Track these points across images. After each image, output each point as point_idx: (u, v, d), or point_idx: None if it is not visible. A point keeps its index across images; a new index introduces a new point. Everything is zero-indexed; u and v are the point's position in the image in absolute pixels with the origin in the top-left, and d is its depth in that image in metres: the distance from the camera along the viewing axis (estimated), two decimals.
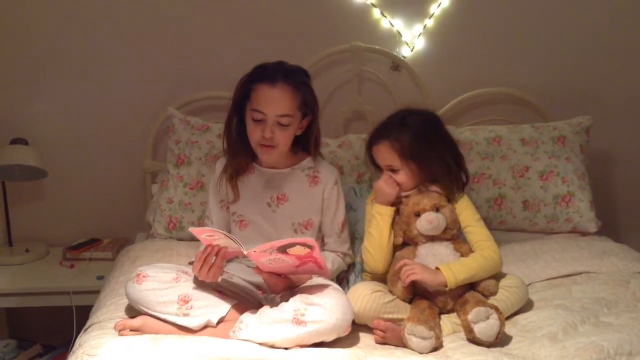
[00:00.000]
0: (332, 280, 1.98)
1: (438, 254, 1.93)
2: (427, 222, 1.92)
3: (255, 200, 2.09)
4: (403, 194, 2.02)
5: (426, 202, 1.95)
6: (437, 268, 1.85)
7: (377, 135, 2.06)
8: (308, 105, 2.00)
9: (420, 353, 1.71)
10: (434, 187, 2.00)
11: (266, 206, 2.08)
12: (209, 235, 1.79)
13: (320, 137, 2.10)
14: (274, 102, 1.93)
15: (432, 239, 1.95)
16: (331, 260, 2.03)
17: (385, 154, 2.02)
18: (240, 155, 2.06)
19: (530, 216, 2.45)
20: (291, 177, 2.08)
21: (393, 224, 1.99)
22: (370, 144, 2.08)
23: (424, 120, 2.06)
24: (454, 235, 1.97)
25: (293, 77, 1.96)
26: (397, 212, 2.01)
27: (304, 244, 1.71)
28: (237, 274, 1.96)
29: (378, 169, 2.09)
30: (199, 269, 1.77)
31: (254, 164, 2.10)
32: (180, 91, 2.66)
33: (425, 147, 2.00)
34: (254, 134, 1.98)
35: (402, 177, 2.01)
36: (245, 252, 1.75)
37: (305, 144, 2.08)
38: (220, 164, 2.13)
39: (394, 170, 2.02)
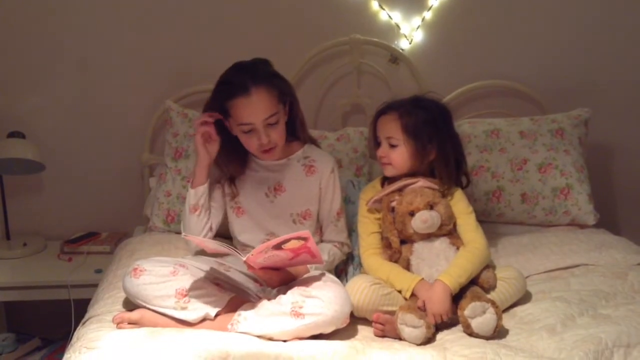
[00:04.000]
0: (330, 272, 1.98)
1: (434, 247, 1.94)
2: (422, 221, 1.92)
3: (253, 193, 2.08)
4: (390, 189, 2.01)
5: (419, 201, 1.94)
6: (437, 280, 1.83)
7: (388, 107, 2.06)
8: (285, 92, 1.99)
9: (416, 344, 1.71)
10: (427, 183, 2.00)
11: (264, 197, 2.08)
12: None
13: (304, 117, 2.09)
14: (256, 109, 1.91)
15: (428, 236, 1.95)
16: (327, 251, 2.03)
17: (391, 124, 2.02)
18: (232, 163, 2.06)
19: (529, 209, 2.45)
20: (287, 167, 2.08)
21: (385, 227, 1.98)
22: (378, 114, 2.07)
23: (437, 108, 2.06)
24: (450, 230, 1.97)
25: (259, 75, 1.91)
26: (392, 210, 1.99)
27: (298, 238, 1.71)
28: (234, 267, 1.96)
29: (376, 146, 2.08)
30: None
31: (249, 157, 2.09)
32: (178, 84, 2.66)
33: (431, 132, 2.00)
34: (251, 144, 1.97)
35: (398, 154, 2.01)
36: (243, 259, 1.75)
37: (293, 129, 2.07)
38: (216, 170, 2.11)
39: (392, 146, 2.02)
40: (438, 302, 1.78)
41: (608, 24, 2.75)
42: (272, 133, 1.95)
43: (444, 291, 1.80)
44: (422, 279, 1.86)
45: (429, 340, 1.73)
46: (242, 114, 1.92)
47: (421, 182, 2.00)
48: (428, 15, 2.70)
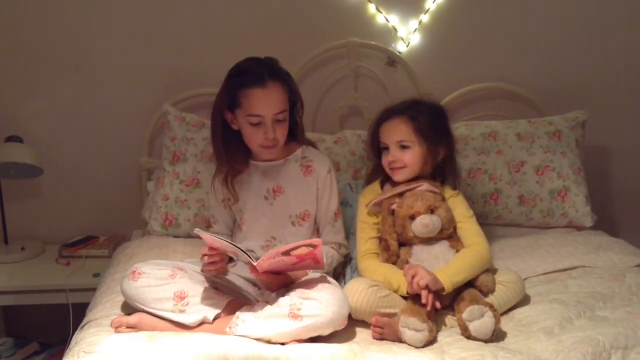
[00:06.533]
0: (328, 274, 1.98)
1: (433, 250, 1.94)
2: (422, 225, 1.92)
3: (253, 196, 2.08)
4: (392, 192, 2.01)
5: (420, 205, 1.94)
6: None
7: (391, 112, 2.06)
8: (294, 93, 2.01)
9: (416, 347, 1.71)
10: (429, 187, 2.00)
11: (264, 200, 2.08)
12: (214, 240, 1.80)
13: (302, 120, 2.09)
14: (270, 102, 1.93)
15: (428, 239, 1.95)
16: (325, 253, 2.02)
17: (400, 126, 2.02)
18: (235, 159, 2.05)
19: (526, 211, 2.45)
20: (285, 168, 2.08)
21: (385, 229, 1.98)
22: (380, 121, 2.07)
23: (436, 108, 2.09)
24: (450, 234, 1.97)
25: (275, 71, 1.96)
26: (393, 213, 1.99)
27: (309, 245, 1.72)
28: (232, 270, 1.96)
29: (375, 154, 2.08)
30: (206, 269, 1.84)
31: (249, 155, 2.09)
32: (175, 88, 2.66)
33: (438, 131, 2.03)
34: (255, 138, 1.97)
35: (412, 155, 2.02)
36: (255, 264, 1.75)
37: (292, 130, 2.07)
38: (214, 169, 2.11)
39: (404, 147, 2.02)
40: (422, 269, 1.79)
41: (605, 26, 2.75)
42: (278, 130, 1.96)
43: (433, 274, 1.80)
44: None
45: (429, 343, 1.73)
46: (255, 105, 1.92)
47: (424, 186, 2.00)
48: (425, 18, 2.70)
